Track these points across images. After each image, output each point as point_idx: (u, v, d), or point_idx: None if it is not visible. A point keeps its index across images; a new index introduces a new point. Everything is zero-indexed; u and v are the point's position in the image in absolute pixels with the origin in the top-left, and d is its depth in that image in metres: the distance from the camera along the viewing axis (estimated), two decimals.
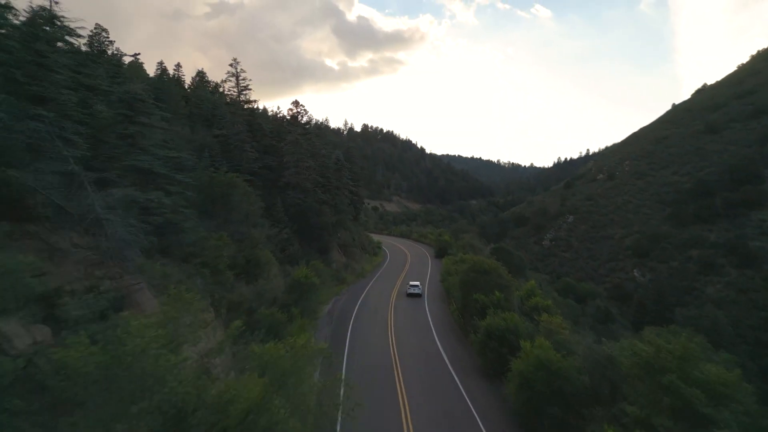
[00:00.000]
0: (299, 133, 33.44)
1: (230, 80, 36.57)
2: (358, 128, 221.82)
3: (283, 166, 32.50)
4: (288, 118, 39.38)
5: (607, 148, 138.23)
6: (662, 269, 77.55)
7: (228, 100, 36.52)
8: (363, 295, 32.79)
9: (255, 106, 36.63)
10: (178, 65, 40.04)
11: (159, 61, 36.91)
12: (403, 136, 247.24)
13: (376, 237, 75.47)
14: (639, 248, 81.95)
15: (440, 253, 53.47)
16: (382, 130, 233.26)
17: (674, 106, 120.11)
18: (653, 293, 63.82)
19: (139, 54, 39.69)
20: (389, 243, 72.64)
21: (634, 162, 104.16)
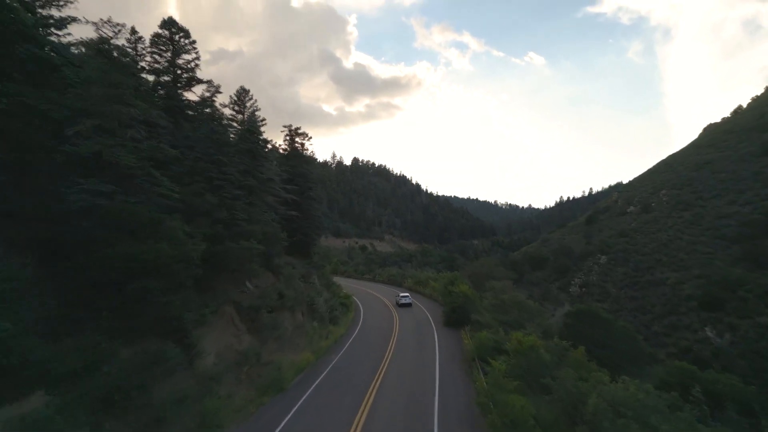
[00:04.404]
0: (108, 49, 13.23)
1: None
2: (348, 162, 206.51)
3: (70, 115, 12.62)
4: (151, 48, 19.42)
5: (635, 179, 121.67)
6: (746, 327, 57.46)
7: None
8: None
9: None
10: None
11: None
12: (396, 171, 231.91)
13: (354, 285, 54.28)
14: (707, 298, 62.37)
15: (453, 318, 30.24)
16: (374, 164, 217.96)
17: (706, 129, 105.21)
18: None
19: None
20: (370, 295, 50.66)
21: (672, 191, 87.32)
